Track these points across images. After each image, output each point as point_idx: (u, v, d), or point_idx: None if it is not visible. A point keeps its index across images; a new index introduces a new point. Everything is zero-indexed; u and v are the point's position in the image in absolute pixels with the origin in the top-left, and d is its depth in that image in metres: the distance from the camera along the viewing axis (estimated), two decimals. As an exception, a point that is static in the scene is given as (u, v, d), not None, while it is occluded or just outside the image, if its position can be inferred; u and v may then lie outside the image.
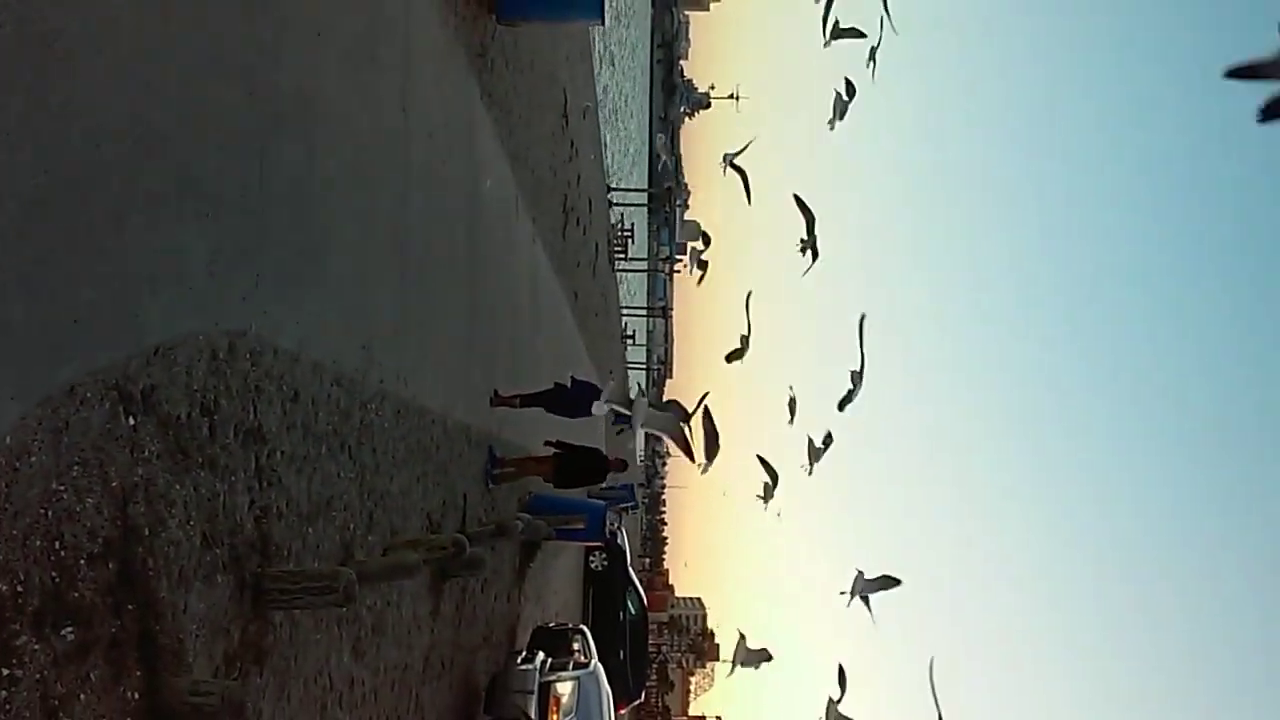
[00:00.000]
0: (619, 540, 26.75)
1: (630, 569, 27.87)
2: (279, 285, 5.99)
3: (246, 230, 5.57)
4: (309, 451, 6.38)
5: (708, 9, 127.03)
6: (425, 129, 9.73)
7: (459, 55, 11.22)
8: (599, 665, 12.59)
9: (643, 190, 61.48)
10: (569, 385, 14.07)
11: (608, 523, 23.12)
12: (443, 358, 10.63)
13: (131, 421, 4.27)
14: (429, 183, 9.97)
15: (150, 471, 4.38)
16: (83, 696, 3.83)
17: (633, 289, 61.97)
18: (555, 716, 10.66)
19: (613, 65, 40.01)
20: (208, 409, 4.96)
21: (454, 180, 11.18)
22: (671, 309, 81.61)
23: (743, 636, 18.56)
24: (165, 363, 4.56)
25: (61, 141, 3.89)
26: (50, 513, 3.75)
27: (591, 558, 26.51)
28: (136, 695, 4.15)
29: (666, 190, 70.87)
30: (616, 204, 43.60)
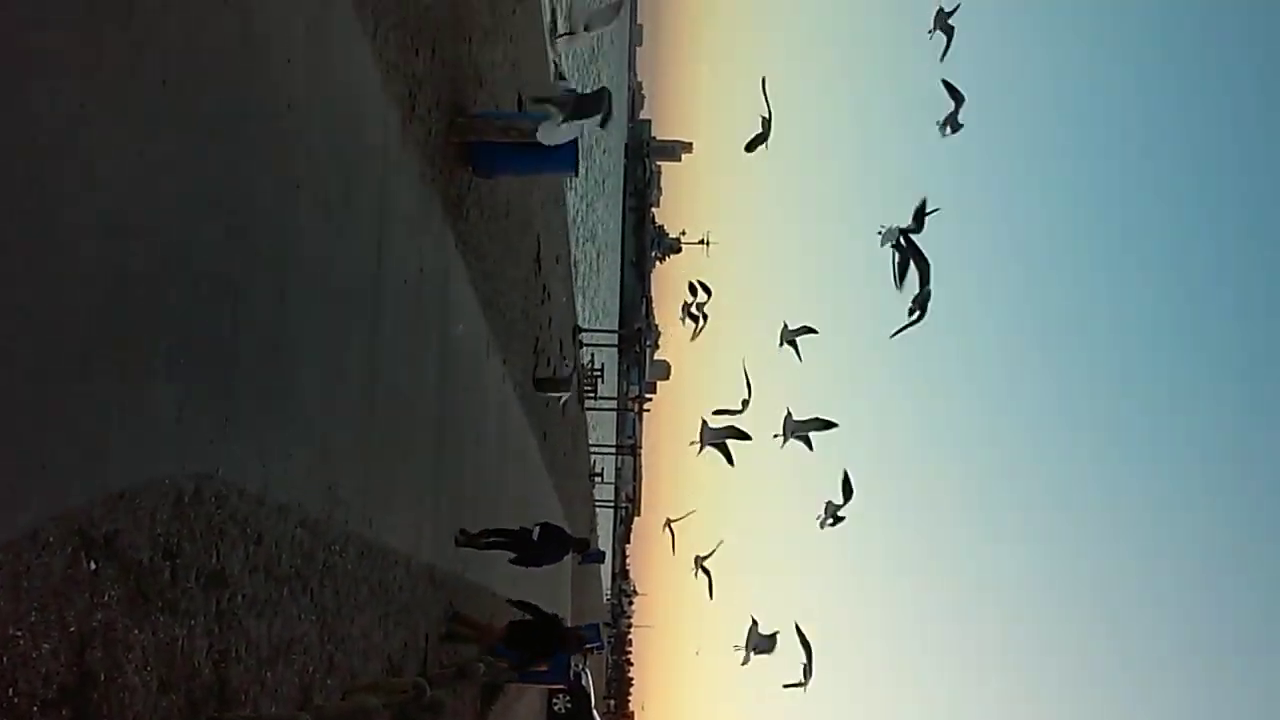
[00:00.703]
0: (583, 682, 26.23)
1: (595, 712, 27.27)
2: (247, 427, 6.02)
3: (216, 373, 5.62)
4: (270, 594, 6.32)
5: (679, 160, 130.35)
6: (399, 275, 9.90)
7: (435, 206, 11.49)
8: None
9: (613, 331, 62.14)
10: (536, 531, 13.94)
11: (572, 664, 22.71)
12: (409, 498, 10.60)
13: (93, 566, 4.25)
14: (400, 327, 10.09)
15: (109, 616, 4.34)
16: None
17: (602, 427, 62.10)
18: None
19: (586, 218, 40.86)
20: (170, 552, 4.94)
21: (426, 324, 11.32)
22: (640, 447, 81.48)
23: (755, 623, 18.03)
24: (129, 507, 4.56)
25: (31, 284, 3.95)
26: (5, 658, 3.69)
27: (555, 700, 25.94)
28: None
29: (636, 331, 71.68)
30: (587, 344, 44.02)
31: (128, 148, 4.60)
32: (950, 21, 18.32)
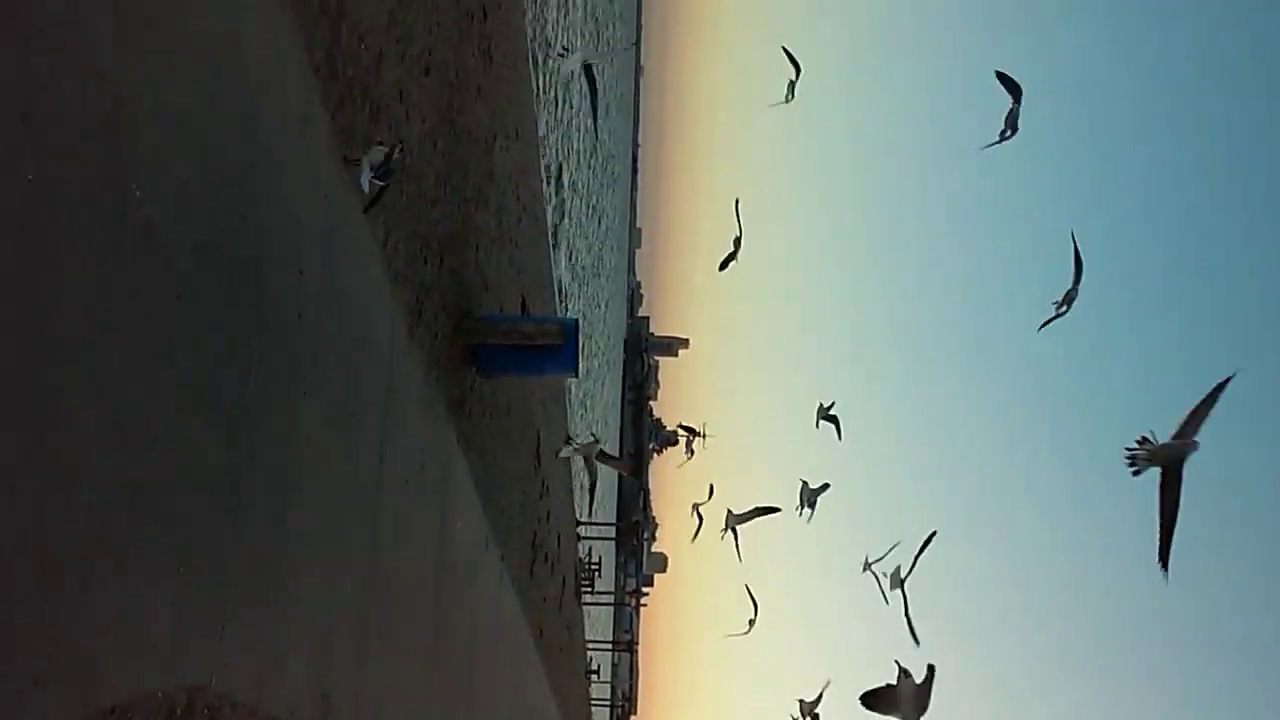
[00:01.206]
0: None
1: None
2: (243, 636, 5.89)
3: (214, 582, 5.53)
4: (257, 810, 6.05)
5: (676, 355, 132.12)
6: (401, 476, 9.89)
7: (439, 406, 11.58)
8: None
9: (611, 524, 61.57)
10: None
11: None
12: (404, 699, 10.28)
13: (77, 786, 4.08)
14: (400, 526, 10.01)
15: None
16: None
17: (598, 623, 60.88)
18: None
19: (585, 410, 41.13)
20: (158, 772, 4.76)
21: (425, 523, 11.24)
22: (637, 643, 79.63)
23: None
24: (120, 723, 4.42)
25: (31, 493, 3.94)
26: None
27: None
28: None
29: (634, 524, 71.03)
30: (585, 537, 43.54)
31: (133, 352, 4.66)
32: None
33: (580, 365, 16.01)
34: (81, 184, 4.25)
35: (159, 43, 4.89)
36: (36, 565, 3.91)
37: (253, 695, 5.99)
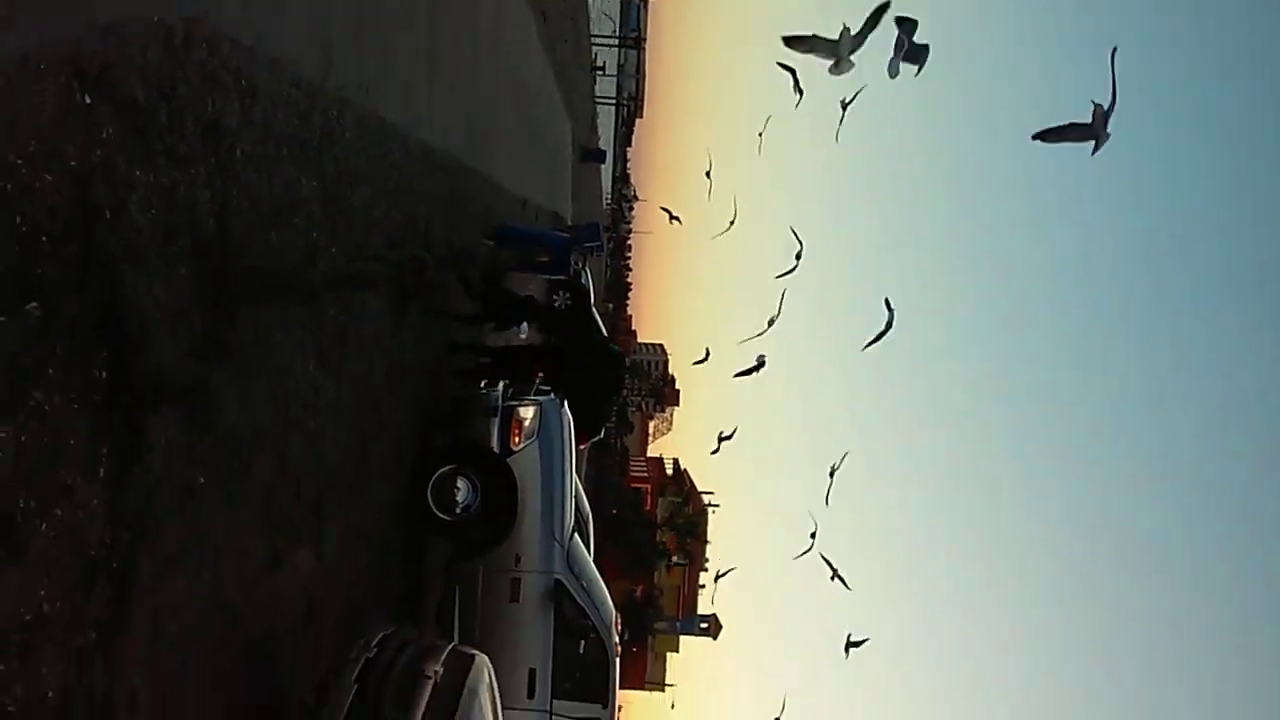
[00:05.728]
0: (583, 280, 26.97)
1: (594, 310, 28.25)
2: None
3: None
4: (269, 152, 6.36)
5: None
6: None
7: None
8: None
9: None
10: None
11: (573, 262, 23.25)
12: (403, 72, 10.43)
13: (87, 100, 4.25)
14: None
15: (109, 153, 4.39)
16: (51, 371, 3.98)
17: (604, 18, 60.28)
18: (517, 439, 11.04)
19: None
20: (165, 95, 4.92)
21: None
22: (645, 39, 79.17)
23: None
24: (118, 42, 4.49)
25: None
26: (9, 187, 3.78)
27: (555, 297, 26.75)
28: (102, 373, 4.31)
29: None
30: (590, -78, 41.68)
31: None
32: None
33: None
34: None
35: None
36: None
37: (249, 36, 6.04)
